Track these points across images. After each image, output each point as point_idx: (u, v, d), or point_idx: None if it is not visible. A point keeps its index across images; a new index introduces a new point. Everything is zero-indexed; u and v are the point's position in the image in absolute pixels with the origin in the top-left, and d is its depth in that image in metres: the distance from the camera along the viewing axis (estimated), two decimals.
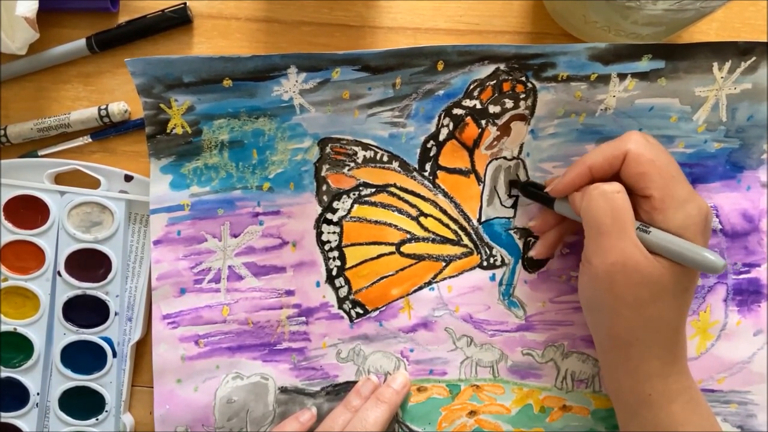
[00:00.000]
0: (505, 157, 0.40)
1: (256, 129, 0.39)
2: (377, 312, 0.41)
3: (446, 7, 0.41)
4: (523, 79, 0.38)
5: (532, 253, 0.40)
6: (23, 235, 0.41)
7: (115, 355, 0.42)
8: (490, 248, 0.41)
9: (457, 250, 0.41)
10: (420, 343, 0.41)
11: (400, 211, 0.41)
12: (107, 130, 0.42)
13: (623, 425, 0.37)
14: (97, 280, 0.41)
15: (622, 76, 0.38)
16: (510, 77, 0.39)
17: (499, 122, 0.39)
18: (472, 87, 0.39)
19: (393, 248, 0.41)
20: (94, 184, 0.41)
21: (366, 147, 0.40)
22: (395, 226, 0.41)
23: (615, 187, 0.33)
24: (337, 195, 0.41)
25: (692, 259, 0.32)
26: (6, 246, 0.41)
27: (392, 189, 0.41)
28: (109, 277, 0.41)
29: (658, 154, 0.34)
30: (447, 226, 0.41)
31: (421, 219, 0.41)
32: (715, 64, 0.38)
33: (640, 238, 0.33)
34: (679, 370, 0.35)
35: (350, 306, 0.41)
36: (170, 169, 0.40)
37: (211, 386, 0.41)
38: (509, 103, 0.39)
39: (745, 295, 0.41)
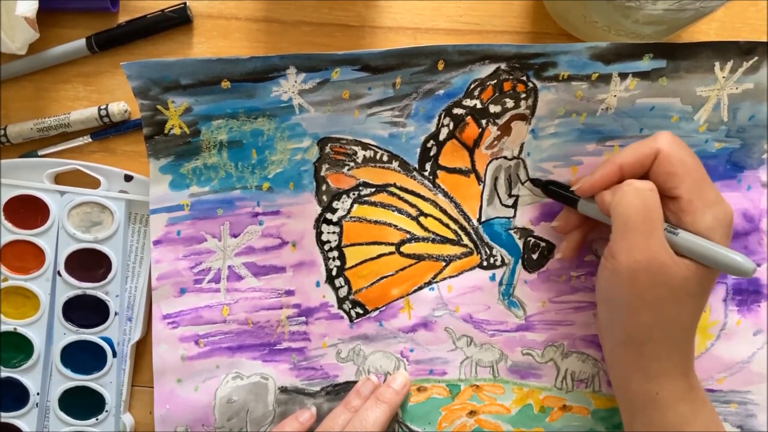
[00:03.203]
0: (505, 157, 0.40)
1: (255, 129, 0.39)
2: (377, 312, 0.41)
3: (446, 7, 0.41)
4: (524, 78, 0.38)
5: (558, 256, 0.40)
6: (23, 235, 0.41)
7: (115, 355, 0.42)
8: (490, 248, 0.41)
9: (457, 250, 0.41)
10: (420, 343, 0.41)
11: (400, 211, 0.41)
12: (107, 130, 0.42)
13: (628, 424, 0.37)
14: (97, 280, 0.41)
15: (623, 76, 0.38)
16: (511, 77, 0.38)
17: (500, 122, 0.39)
18: (472, 86, 0.39)
19: (393, 248, 0.41)
20: (94, 184, 0.41)
21: (366, 147, 0.40)
22: (395, 226, 0.41)
23: (648, 185, 0.33)
24: (337, 195, 0.41)
25: (723, 262, 0.32)
26: (6, 246, 0.41)
27: (392, 189, 0.41)
28: (109, 277, 0.41)
29: (688, 155, 0.34)
30: (447, 226, 0.41)
31: (421, 219, 0.41)
32: (717, 64, 0.38)
33: (667, 240, 0.32)
34: (687, 370, 0.35)
35: (350, 306, 0.41)
36: (169, 169, 0.40)
37: (211, 386, 0.41)
38: (510, 103, 0.39)
39: (745, 294, 0.41)
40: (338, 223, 0.41)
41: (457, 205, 0.41)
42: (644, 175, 0.35)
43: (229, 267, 0.41)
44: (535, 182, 0.40)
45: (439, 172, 0.40)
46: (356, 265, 0.41)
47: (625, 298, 0.33)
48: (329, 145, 0.40)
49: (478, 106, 0.39)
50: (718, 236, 0.32)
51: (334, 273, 0.41)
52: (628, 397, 0.36)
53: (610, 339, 0.37)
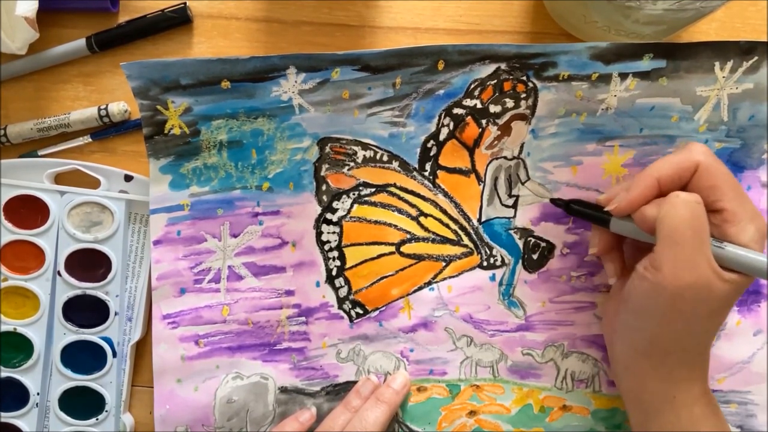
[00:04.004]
0: (505, 157, 0.40)
1: (255, 129, 0.39)
2: (377, 312, 0.41)
3: (446, 7, 0.41)
4: (524, 78, 0.38)
5: (611, 282, 0.38)
6: (23, 235, 0.41)
7: (115, 355, 0.42)
8: (490, 248, 0.41)
9: (457, 250, 0.41)
10: (420, 343, 0.41)
11: (400, 211, 0.41)
12: (107, 130, 0.42)
13: (639, 424, 0.36)
14: (97, 280, 0.41)
15: (623, 76, 0.38)
16: (511, 77, 0.38)
17: (500, 122, 0.39)
18: (472, 86, 0.39)
19: (393, 248, 0.41)
20: (94, 184, 0.41)
21: (366, 147, 0.40)
22: (395, 226, 0.41)
23: (696, 197, 0.32)
24: (337, 195, 0.41)
25: None
26: (6, 246, 0.41)
27: (392, 189, 0.41)
28: (109, 277, 0.41)
29: (725, 167, 0.33)
30: (447, 226, 0.41)
31: (421, 219, 0.41)
32: (717, 64, 0.38)
33: (714, 254, 0.32)
34: (704, 376, 0.35)
35: (350, 306, 0.41)
36: (169, 169, 0.40)
37: (211, 386, 0.41)
38: (510, 103, 0.39)
39: (745, 295, 0.41)
40: (338, 223, 0.41)
41: (457, 205, 0.41)
42: (683, 188, 0.34)
43: (229, 267, 0.41)
44: (556, 202, 0.39)
45: (439, 172, 0.40)
46: (356, 265, 0.41)
47: (661, 310, 0.33)
48: (329, 145, 0.40)
49: (478, 106, 0.39)
50: (759, 247, 0.32)
51: (334, 273, 0.41)
52: (644, 398, 0.36)
53: (629, 344, 0.36)
